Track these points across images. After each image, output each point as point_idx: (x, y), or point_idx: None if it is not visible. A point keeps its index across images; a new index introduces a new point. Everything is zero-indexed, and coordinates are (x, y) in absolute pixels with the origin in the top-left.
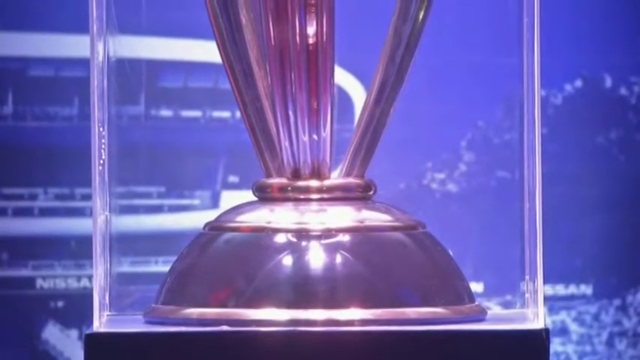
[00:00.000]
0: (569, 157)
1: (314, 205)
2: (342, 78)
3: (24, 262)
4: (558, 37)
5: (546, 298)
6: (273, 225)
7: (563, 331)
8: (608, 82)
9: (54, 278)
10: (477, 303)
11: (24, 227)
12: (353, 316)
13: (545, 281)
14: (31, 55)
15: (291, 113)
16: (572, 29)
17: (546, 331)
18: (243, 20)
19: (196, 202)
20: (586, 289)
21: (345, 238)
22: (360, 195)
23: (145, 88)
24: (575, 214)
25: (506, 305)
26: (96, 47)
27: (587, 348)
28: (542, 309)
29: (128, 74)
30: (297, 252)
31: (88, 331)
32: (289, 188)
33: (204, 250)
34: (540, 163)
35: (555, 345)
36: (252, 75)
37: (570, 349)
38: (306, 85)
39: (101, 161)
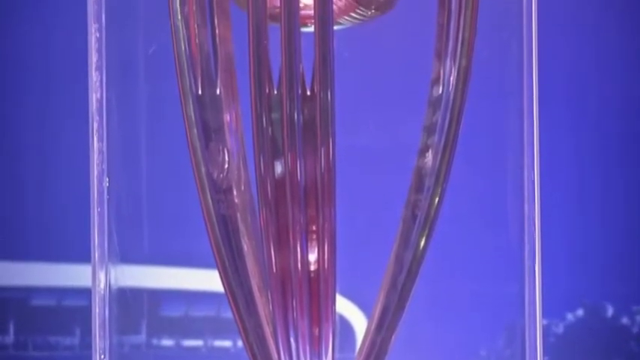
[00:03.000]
0: None
1: None
2: (343, 306)
3: None
4: (559, 264)
5: None
6: None
7: None
8: (610, 311)
9: None
10: None
11: None
12: None
13: None
14: (33, 284)
15: (292, 340)
16: (573, 257)
17: None
18: (245, 247)
19: None
20: None
21: None
22: None
23: (147, 316)
24: None
25: None
26: (98, 276)
27: None
28: None
29: (130, 303)
30: None
31: None
32: None
33: None
34: None
35: None
36: (254, 302)
37: None
38: (308, 312)
39: None
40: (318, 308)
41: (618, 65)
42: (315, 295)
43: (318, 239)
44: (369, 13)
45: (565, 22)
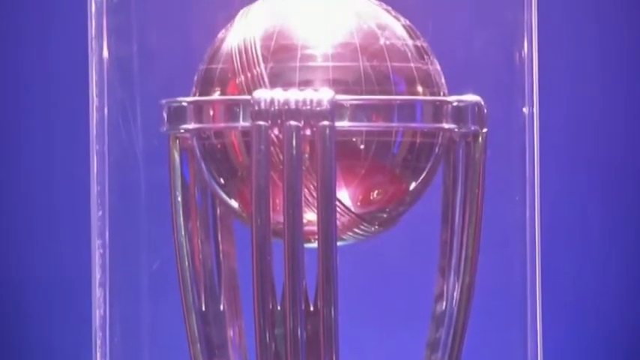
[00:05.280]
0: None
1: None
2: None
3: None
4: None
5: None
6: None
7: None
8: None
9: None
10: None
11: None
12: None
13: None
14: None
15: None
16: None
17: None
18: None
19: None
20: None
21: None
22: None
23: None
24: None
25: None
26: None
27: None
28: None
29: None
30: None
31: None
32: None
33: None
34: None
35: None
36: None
37: None
38: None
39: None
40: None
41: (615, 270)
42: None
43: None
44: (373, 229)
45: (567, 243)
